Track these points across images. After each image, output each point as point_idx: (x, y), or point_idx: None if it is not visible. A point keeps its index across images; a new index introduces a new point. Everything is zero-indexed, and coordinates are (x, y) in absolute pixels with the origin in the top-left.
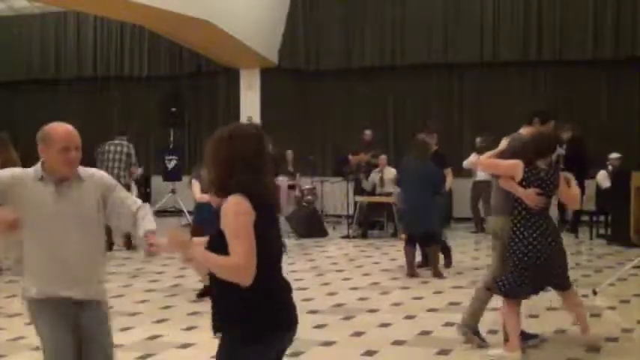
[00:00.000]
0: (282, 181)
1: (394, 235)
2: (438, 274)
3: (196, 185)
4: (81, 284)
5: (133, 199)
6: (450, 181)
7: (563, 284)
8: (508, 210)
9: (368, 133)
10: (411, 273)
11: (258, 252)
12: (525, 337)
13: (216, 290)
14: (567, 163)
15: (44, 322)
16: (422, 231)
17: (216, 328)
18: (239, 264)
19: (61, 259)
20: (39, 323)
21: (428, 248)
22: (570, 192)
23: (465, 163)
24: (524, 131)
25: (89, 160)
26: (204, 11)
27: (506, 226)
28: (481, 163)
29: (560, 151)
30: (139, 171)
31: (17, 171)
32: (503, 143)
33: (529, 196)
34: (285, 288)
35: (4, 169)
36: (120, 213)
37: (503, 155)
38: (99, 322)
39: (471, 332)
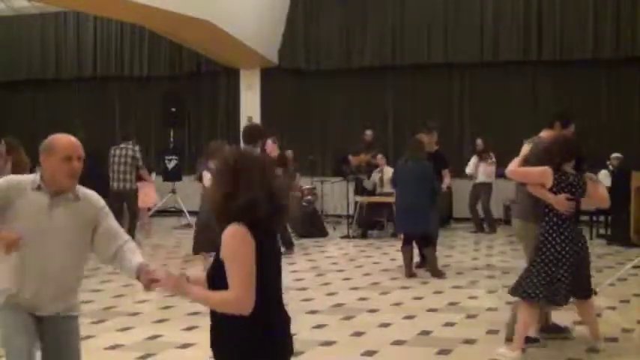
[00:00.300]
0: None
1: (394, 235)
2: (437, 274)
3: (207, 176)
4: (58, 300)
5: (122, 231)
6: (447, 181)
7: (586, 293)
8: (537, 216)
9: (369, 133)
10: (409, 273)
11: (257, 284)
12: (527, 340)
13: (214, 323)
14: None
15: (10, 327)
16: (418, 232)
17: (212, 343)
18: (237, 296)
19: (44, 273)
20: (4, 330)
21: (425, 249)
22: (598, 192)
23: (468, 170)
24: (545, 135)
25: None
26: (204, 11)
27: (532, 232)
28: (513, 173)
29: None
30: (152, 176)
31: (14, 178)
32: (525, 148)
33: (559, 202)
34: (285, 321)
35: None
36: (109, 241)
37: (527, 161)
38: (69, 337)
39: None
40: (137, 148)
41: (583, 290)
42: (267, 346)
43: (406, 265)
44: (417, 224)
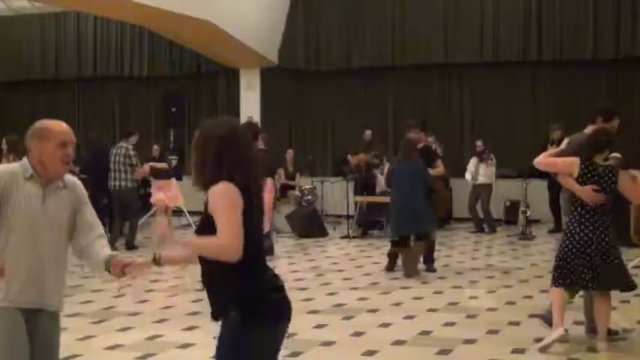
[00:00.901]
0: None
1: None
2: (414, 273)
3: None
4: (51, 294)
5: (98, 225)
6: (439, 171)
7: (623, 285)
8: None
9: (368, 133)
10: (410, 273)
11: (245, 236)
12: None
13: (211, 278)
14: None
15: (2, 329)
16: (411, 233)
17: (215, 315)
18: (229, 242)
19: (36, 266)
20: None
21: (415, 243)
22: (636, 188)
23: (468, 176)
24: (589, 131)
25: (94, 160)
26: (204, 11)
27: None
28: (539, 163)
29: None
30: (144, 169)
31: (7, 168)
32: (565, 143)
33: (584, 192)
34: (276, 276)
35: None
36: (84, 232)
37: (563, 154)
38: (54, 333)
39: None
40: (131, 147)
41: (615, 284)
42: (263, 293)
43: (406, 264)
44: (412, 225)
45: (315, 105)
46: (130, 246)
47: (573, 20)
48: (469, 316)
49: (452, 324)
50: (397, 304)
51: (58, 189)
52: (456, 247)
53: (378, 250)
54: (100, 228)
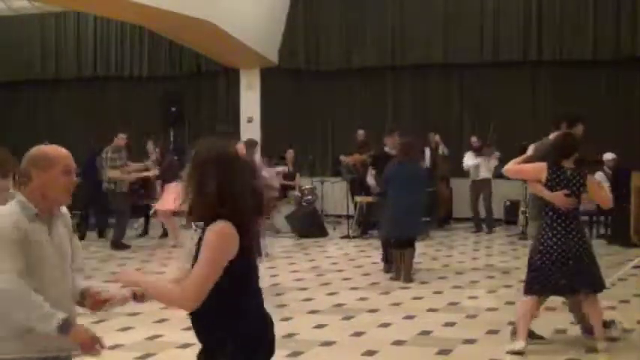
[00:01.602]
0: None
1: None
2: (409, 279)
3: None
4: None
5: (80, 253)
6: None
7: (590, 287)
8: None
9: (361, 133)
10: (407, 277)
11: (245, 279)
12: (531, 335)
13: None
14: None
15: None
16: (408, 235)
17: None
18: (185, 294)
19: (59, 303)
20: None
21: (407, 250)
22: (601, 193)
23: (466, 166)
24: (553, 136)
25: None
26: (204, 11)
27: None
28: (508, 170)
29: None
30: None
31: (13, 217)
32: (531, 149)
33: (557, 198)
34: (269, 319)
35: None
36: (74, 256)
37: (530, 160)
38: None
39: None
40: (110, 149)
41: (587, 285)
42: (254, 340)
43: (397, 269)
44: (409, 228)
45: (314, 105)
46: (117, 245)
47: (573, 20)
48: (469, 316)
49: (452, 324)
50: (397, 304)
51: (57, 218)
52: (456, 247)
53: (378, 250)
54: (80, 256)
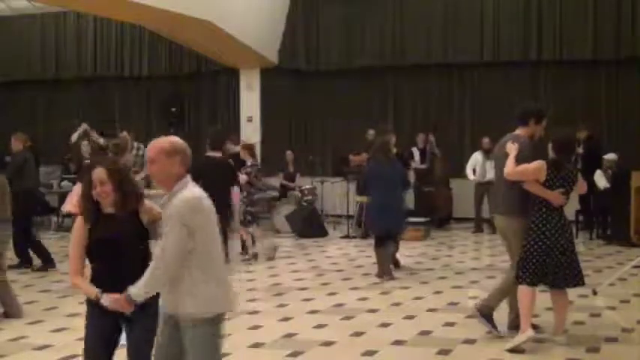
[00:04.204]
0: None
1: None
2: (389, 273)
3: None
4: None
5: None
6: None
7: (578, 280)
8: (524, 211)
9: (371, 133)
10: (383, 273)
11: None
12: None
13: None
14: (585, 162)
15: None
16: (393, 231)
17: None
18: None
19: None
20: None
21: (389, 242)
22: (583, 186)
23: (472, 174)
24: (522, 132)
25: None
26: (204, 11)
27: (518, 225)
28: (509, 174)
29: (578, 150)
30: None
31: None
32: (510, 147)
33: (555, 197)
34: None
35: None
36: None
37: (525, 159)
38: None
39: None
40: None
41: (572, 280)
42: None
43: (380, 265)
44: (392, 223)
45: (315, 105)
46: None
47: (573, 20)
48: (469, 316)
49: (452, 324)
50: (397, 304)
51: None
52: (455, 247)
53: None
54: None
